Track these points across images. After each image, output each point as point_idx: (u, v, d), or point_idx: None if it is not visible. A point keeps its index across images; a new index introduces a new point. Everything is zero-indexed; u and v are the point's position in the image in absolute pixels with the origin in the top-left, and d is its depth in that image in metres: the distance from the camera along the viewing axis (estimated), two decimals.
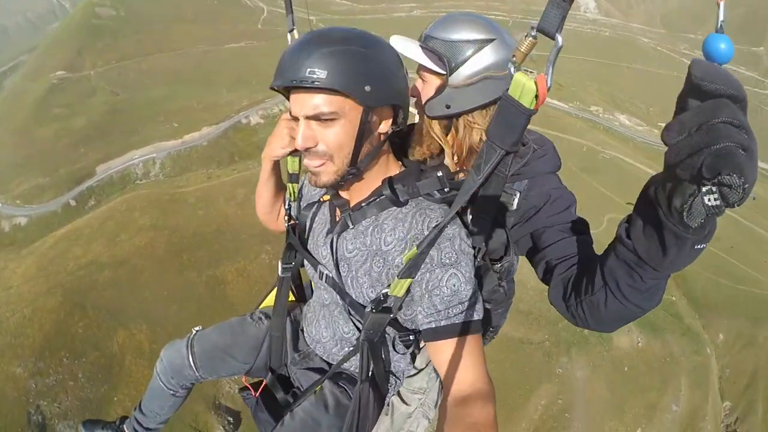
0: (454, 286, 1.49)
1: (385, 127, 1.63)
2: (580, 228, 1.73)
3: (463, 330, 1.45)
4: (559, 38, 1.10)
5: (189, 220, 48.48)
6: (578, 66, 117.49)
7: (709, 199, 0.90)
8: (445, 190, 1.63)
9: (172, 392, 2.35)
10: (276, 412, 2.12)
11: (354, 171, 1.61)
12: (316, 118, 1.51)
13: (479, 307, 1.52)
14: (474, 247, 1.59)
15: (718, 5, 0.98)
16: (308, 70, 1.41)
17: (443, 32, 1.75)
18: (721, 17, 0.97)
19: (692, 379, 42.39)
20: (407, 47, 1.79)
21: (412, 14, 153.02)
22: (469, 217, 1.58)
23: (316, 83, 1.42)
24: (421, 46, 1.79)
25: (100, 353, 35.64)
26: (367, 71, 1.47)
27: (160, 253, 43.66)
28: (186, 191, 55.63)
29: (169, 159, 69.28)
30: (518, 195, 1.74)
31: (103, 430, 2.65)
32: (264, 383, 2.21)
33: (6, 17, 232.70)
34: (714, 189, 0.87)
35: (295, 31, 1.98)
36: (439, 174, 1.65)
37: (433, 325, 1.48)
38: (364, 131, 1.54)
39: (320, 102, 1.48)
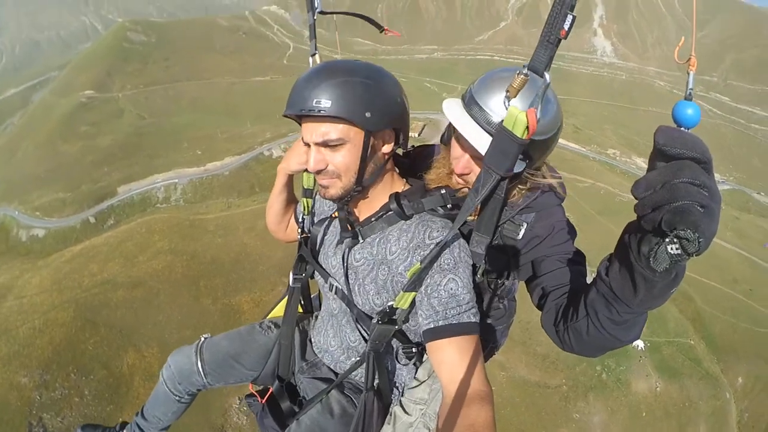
0: (452, 289, 1.54)
1: (387, 148, 1.72)
2: (577, 259, 1.83)
3: (459, 330, 1.51)
4: (547, 76, 1.24)
5: (208, 247, 48.57)
6: (595, 109, 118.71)
7: (671, 248, 0.99)
8: (448, 206, 1.73)
9: (177, 398, 2.39)
10: (281, 419, 2.16)
11: (359, 188, 1.71)
12: (325, 144, 1.61)
13: (476, 311, 1.57)
14: (474, 263, 1.67)
15: (688, 74, 1.08)
16: (315, 100, 1.53)
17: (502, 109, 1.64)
18: (691, 85, 1.07)
19: (711, 424, 41.27)
20: (472, 133, 1.70)
21: (433, 56, 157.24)
22: (471, 235, 1.65)
23: (321, 112, 1.53)
24: (473, 117, 1.72)
25: (108, 372, 35.22)
26: (367, 99, 1.57)
27: (177, 277, 43.62)
28: (206, 218, 55.94)
29: (191, 185, 69.93)
30: (525, 226, 1.83)
31: None
32: (270, 391, 2.25)
33: (39, 32, 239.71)
34: (675, 240, 0.97)
35: (317, 56, 2.13)
36: (443, 192, 1.75)
37: (432, 326, 1.53)
38: (368, 153, 1.64)
39: (327, 130, 1.59)
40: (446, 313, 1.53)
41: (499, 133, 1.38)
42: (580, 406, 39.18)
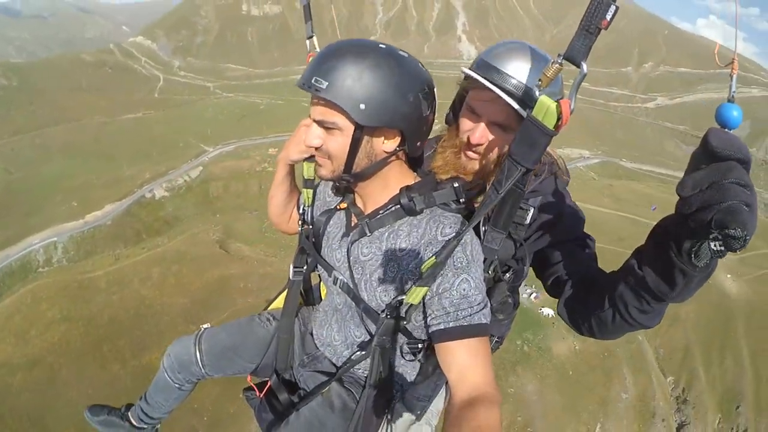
0: (464, 290, 1.50)
1: (390, 145, 1.61)
2: (588, 245, 1.84)
3: (470, 332, 1.47)
4: (584, 66, 1.23)
5: (103, 307, 45.97)
6: None
7: (714, 245, 1.01)
8: (461, 201, 1.65)
9: (177, 386, 2.39)
10: (279, 413, 2.11)
11: (348, 177, 1.64)
12: (321, 124, 1.55)
13: (487, 311, 1.53)
14: (486, 259, 1.63)
15: (731, 77, 1.09)
16: (314, 78, 1.45)
17: (532, 77, 1.68)
18: (734, 88, 1.07)
19: (632, 366, 45.74)
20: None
21: None
22: (484, 229, 1.63)
23: (317, 92, 1.46)
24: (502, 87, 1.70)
25: None
26: (368, 90, 1.45)
27: (77, 347, 41.06)
28: (95, 276, 52.63)
29: (72, 242, 65.80)
30: (532, 210, 1.78)
31: (108, 416, 2.65)
32: (269, 384, 2.20)
33: None
34: (719, 237, 0.98)
35: (314, 38, 2.08)
36: (455, 185, 1.66)
37: (442, 327, 1.49)
38: (357, 147, 1.55)
39: (324, 111, 1.52)
40: (457, 315, 1.48)
41: (528, 123, 1.38)
42: (512, 380, 41.48)
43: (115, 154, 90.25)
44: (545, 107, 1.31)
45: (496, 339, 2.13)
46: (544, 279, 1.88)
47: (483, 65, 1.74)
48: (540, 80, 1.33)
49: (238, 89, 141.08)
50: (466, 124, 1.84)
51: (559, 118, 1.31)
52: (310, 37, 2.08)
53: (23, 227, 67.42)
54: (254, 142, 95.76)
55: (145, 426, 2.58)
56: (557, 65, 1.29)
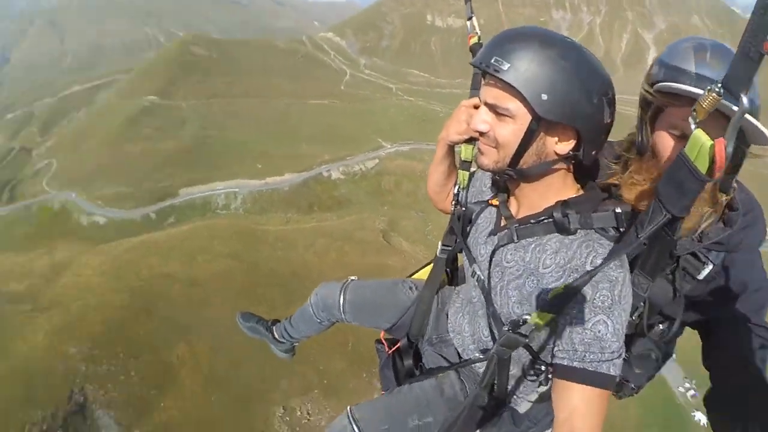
0: (600, 332, 1.34)
1: (562, 147, 1.45)
2: (764, 335, 1.54)
3: (592, 380, 1.33)
4: (744, 99, 0.99)
5: (267, 258, 48.74)
6: None
7: None
8: (621, 229, 1.45)
9: (318, 321, 2.61)
10: (399, 375, 2.20)
11: (511, 172, 1.50)
12: (493, 108, 1.42)
13: (618, 363, 1.37)
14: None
15: None
16: (494, 58, 1.34)
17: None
18: None
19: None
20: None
21: None
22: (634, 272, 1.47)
23: (495, 73, 1.33)
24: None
25: (156, 359, 35.33)
26: (550, 80, 1.32)
27: (236, 282, 43.67)
28: (266, 230, 56.43)
29: (251, 196, 71.09)
30: (710, 267, 1.54)
31: (257, 324, 2.97)
32: (398, 345, 2.28)
33: (103, 37, 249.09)
34: None
35: (474, 19, 1.99)
36: (618, 210, 1.44)
37: (565, 363, 1.37)
38: (530, 140, 1.41)
39: (499, 95, 1.38)
40: (585, 356, 1.35)
41: (679, 161, 1.17)
42: None
43: (297, 133, 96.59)
44: (699, 145, 1.11)
45: (632, 386, 1.99)
46: (704, 352, 1.67)
47: (673, 70, 1.49)
48: (695, 110, 1.10)
49: (419, 94, 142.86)
50: (675, 148, 1.54)
51: (712, 162, 1.08)
52: (470, 18, 2.00)
53: (210, 174, 74.29)
54: (429, 146, 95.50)
55: (285, 342, 2.91)
56: (714, 95, 1.04)
